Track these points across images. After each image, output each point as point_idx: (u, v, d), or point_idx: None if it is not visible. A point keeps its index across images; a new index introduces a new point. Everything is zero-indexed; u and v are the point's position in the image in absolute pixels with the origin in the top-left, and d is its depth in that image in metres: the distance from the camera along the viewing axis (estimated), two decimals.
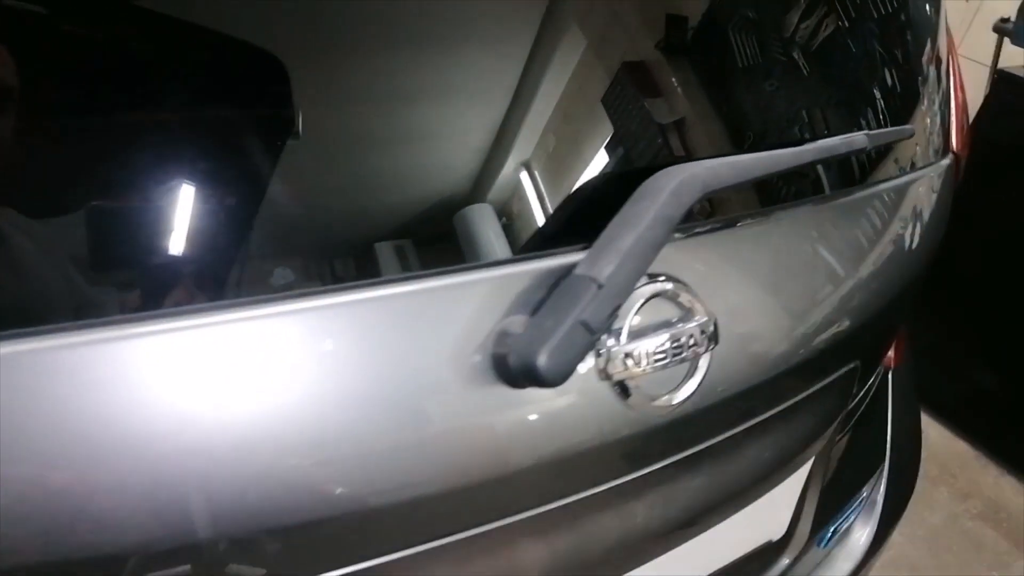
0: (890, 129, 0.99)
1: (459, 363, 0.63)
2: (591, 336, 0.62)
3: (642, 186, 0.67)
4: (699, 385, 0.77)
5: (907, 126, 1.06)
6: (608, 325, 0.63)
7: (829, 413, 1.06)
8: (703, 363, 0.77)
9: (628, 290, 0.63)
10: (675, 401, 0.76)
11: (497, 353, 0.64)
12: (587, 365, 0.70)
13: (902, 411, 1.52)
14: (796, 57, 1.00)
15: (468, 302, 0.65)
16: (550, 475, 0.71)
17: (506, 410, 0.66)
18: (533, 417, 0.68)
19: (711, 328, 0.77)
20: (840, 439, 1.25)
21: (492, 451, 0.67)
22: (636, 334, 0.72)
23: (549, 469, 0.70)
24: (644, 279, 0.73)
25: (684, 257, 0.79)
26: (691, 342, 0.75)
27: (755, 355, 0.84)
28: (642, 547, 0.89)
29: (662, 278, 0.75)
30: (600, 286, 0.62)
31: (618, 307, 0.63)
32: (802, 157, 0.79)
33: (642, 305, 0.73)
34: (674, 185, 0.65)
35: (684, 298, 0.76)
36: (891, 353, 1.50)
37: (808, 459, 1.10)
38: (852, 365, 1.04)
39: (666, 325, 0.74)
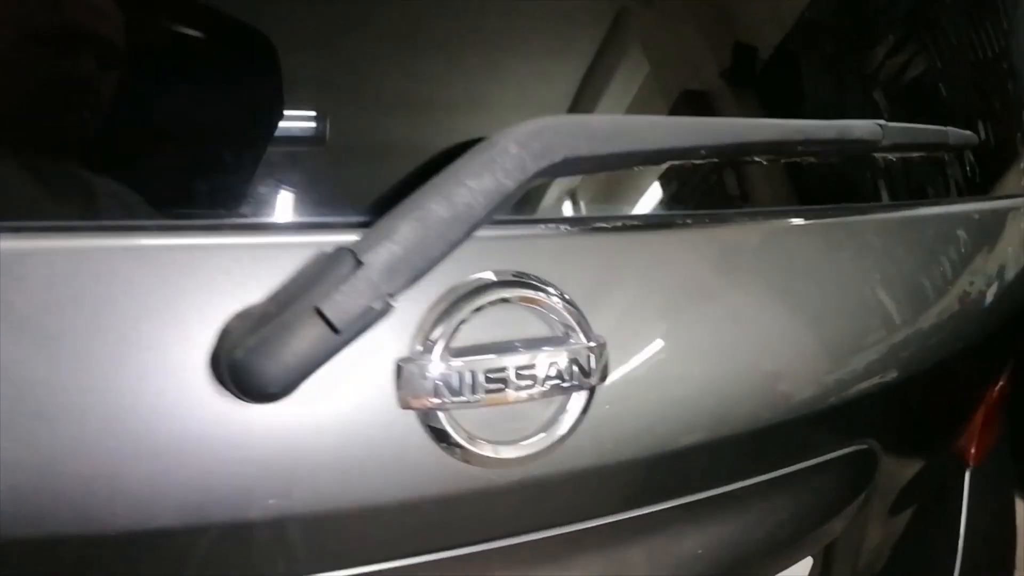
0: (928, 128, 0.73)
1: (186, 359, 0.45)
2: (330, 331, 0.42)
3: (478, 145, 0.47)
4: (563, 436, 0.55)
5: (967, 132, 0.79)
6: (365, 322, 0.43)
7: (811, 513, 0.77)
8: (573, 405, 0.55)
9: (410, 276, 0.43)
10: (519, 454, 0.54)
11: (214, 352, 0.45)
12: (379, 386, 0.50)
13: (984, 513, 1.18)
14: (876, 96, 0.86)
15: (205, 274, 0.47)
16: (325, 531, 0.51)
17: (246, 431, 0.47)
18: (285, 444, 0.48)
19: (592, 358, 0.55)
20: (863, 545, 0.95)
21: (233, 490, 0.48)
22: (464, 351, 0.51)
23: (322, 524, 0.50)
24: (491, 276, 0.53)
25: (574, 259, 0.58)
26: (554, 372, 0.54)
27: (675, 404, 0.60)
28: None
29: (526, 281, 0.54)
30: (359, 263, 0.42)
31: (387, 298, 0.43)
32: (755, 133, 0.56)
33: (480, 311, 0.52)
34: (513, 139, 0.45)
35: (558, 313, 0.55)
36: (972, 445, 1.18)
37: (792, 564, 0.81)
38: (859, 447, 0.77)
39: (513, 347, 0.53)
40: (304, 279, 0.44)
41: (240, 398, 0.45)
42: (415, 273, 0.43)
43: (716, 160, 0.62)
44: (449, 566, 0.56)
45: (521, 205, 0.58)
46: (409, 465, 0.51)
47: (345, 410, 0.50)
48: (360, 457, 0.50)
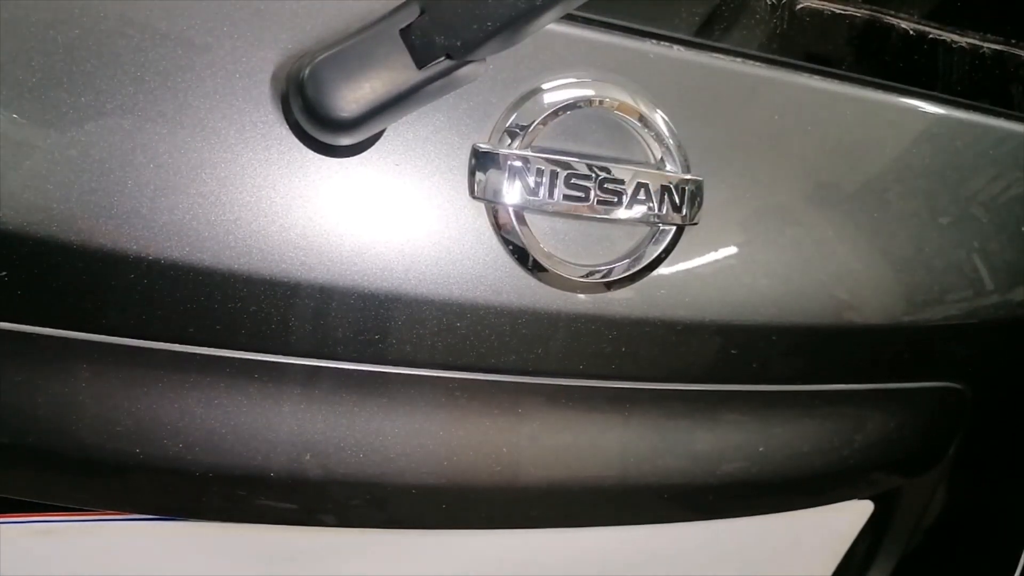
0: None
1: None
2: (411, 61, 0.37)
3: None
4: (640, 271, 0.49)
5: None
6: (444, 67, 0.38)
7: (891, 440, 0.70)
8: (664, 238, 0.49)
9: (482, 31, 0.37)
10: (591, 279, 0.48)
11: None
12: (452, 169, 0.45)
13: None
14: None
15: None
16: (402, 319, 0.47)
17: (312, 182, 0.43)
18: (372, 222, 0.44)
19: (684, 191, 0.49)
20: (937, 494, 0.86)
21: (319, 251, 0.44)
22: (548, 150, 0.46)
23: (399, 309, 0.46)
24: (591, 75, 0.47)
25: (691, 87, 0.51)
26: (643, 196, 0.48)
27: (762, 274, 0.54)
28: (523, 495, 0.59)
29: (630, 90, 0.48)
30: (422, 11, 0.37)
31: (464, 50, 0.37)
32: None
33: (574, 110, 0.47)
34: None
35: (658, 135, 0.49)
36: None
37: (849, 497, 0.74)
38: (944, 384, 0.69)
39: (602, 157, 0.47)
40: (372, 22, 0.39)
41: (312, 134, 0.41)
42: (485, 30, 0.37)
43: None
44: (485, 391, 0.51)
45: (650, 17, 0.52)
46: (470, 263, 0.47)
47: (412, 187, 0.45)
48: (420, 241, 0.46)
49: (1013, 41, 0.63)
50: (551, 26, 0.45)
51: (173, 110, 0.40)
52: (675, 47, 0.51)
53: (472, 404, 0.51)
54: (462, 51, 0.37)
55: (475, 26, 0.36)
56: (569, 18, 0.48)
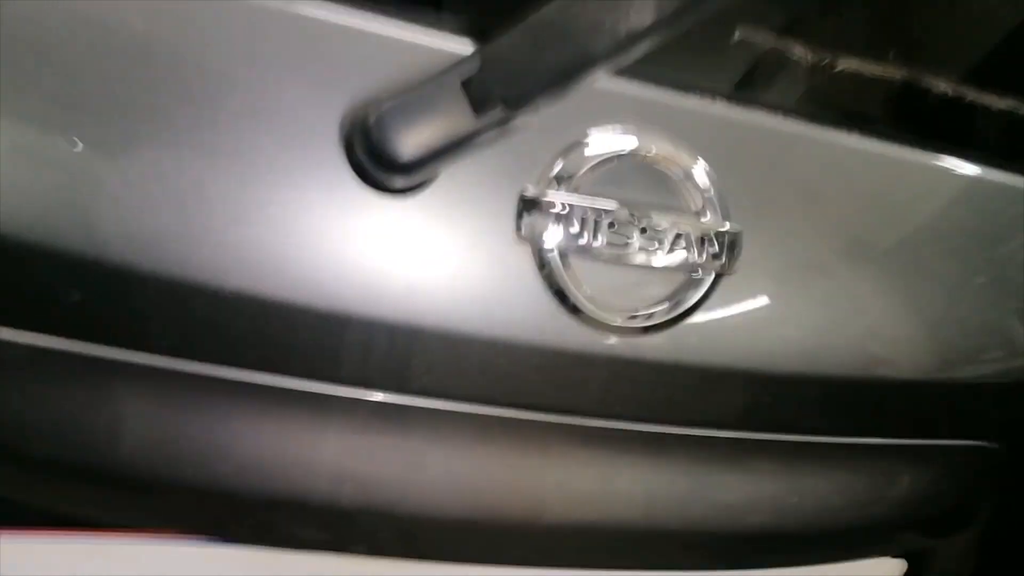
0: None
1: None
2: (470, 109, 0.40)
3: None
4: (686, 312, 0.51)
5: None
6: (502, 115, 0.40)
7: (924, 498, 0.69)
8: (702, 286, 0.51)
9: (534, 86, 0.39)
10: (631, 323, 0.50)
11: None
12: (501, 212, 0.47)
13: None
14: None
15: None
16: (448, 356, 0.49)
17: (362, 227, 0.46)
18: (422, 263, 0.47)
19: (723, 241, 0.50)
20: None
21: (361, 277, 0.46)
22: (593, 193, 0.48)
23: (446, 345, 0.48)
24: (635, 127, 0.49)
25: (732, 137, 0.53)
26: (683, 244, 0.49)
27: (796, 325, 0.55)
28: (552, 533, 0.59)
29: (673, 142, 0.50)
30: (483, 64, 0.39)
31: (519, 101, 0.39)
32: None
33: (619, 160, 0.49)
34: None
35: (699, 185, 0.50)
36: None
37: (881, 553, 0.73)
38: (977, 443, 0.68)
39: (644, 204, 0.49)
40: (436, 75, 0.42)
41: (372, 175, 0.43)
42: (539, 84, 0.39)
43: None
44: (522, 428, 0.52)
45: (691, 71, 0.54)
46: (512, 304, 0.48)
47: (462, 228, 0.47)
48: (466, 279, 0.47)
49: None
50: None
51: (247, 149, 0.43)
52: (718, 102, 0.53)
53: (508, 440, 0.53)
54: (518, 102, 0.39)
55: (531, 79, 0.38)
56: (616, 72, 0.50)
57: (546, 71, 0.37)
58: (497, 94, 0.39)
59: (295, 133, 0.43)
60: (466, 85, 0.40)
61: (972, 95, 0.61)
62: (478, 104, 0.40)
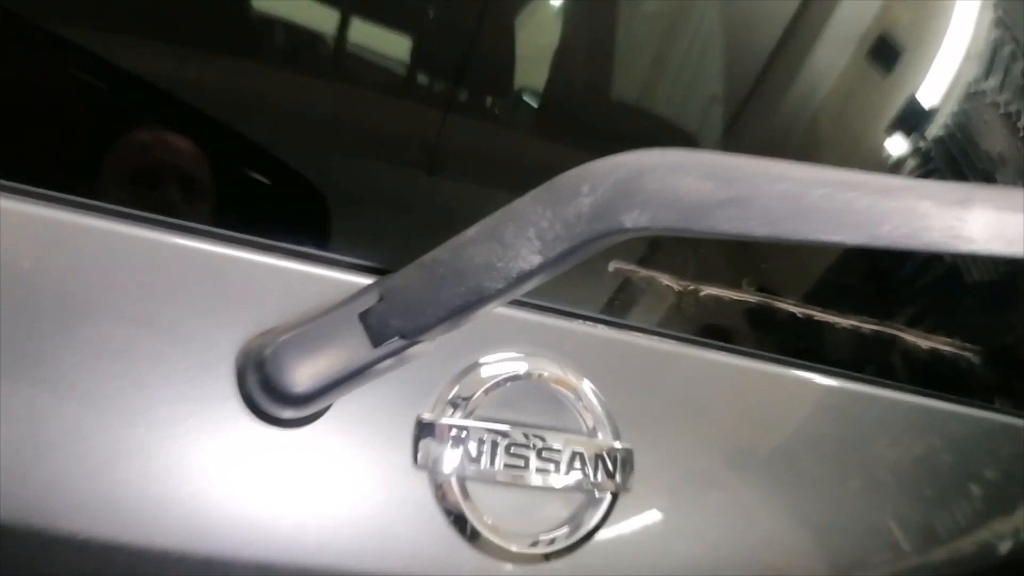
0: None
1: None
2: (368, 341, 0.40)
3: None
4: (587, 534, 0.50)
5: None
6: (398, 345, 0.41)
7: None
8: (600, 505, 0.51)
9: (430, 321, 0.41)
10: (544, 547, 0.48)
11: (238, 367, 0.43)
12: (397, 441, 0.47)
13: None
14: None
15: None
16: None
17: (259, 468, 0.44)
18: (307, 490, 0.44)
19: (617, 459, 0.52)
20: None
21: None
22: (489, 419, 0.49)
23: None
24: (525, 352, 0.51)
25: (615, 358, 0.56)
26: (579, 465, 0.50)
27: (693, 538, 0.55)
28: None
29: (562, 364, 0.52)
30: (382, 297, 0.41)
31: (416, 333, 0.41)
32: None
33: (511, 383, 0.50)
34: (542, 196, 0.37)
35: (590, 406, 0.52)
36: None
37: None
38: None
39: (538, 426, 0.50)
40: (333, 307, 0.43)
41: (263, 407, 0.42)
42: (435, 317, 0.40)
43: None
44: None
45: (578, 299, 0.58)
46: (409, 536, 0.46)
47: (357, 457, 0.46)
48: (362, 513, 0.45)
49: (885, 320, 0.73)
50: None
51: (130, 387, 0.41)
52: (599, 326, 0.56)
53: None
54: (415, 333, 0.41)
55: (428, 313, 0.40)
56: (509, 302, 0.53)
57: (442, 306, 0.39)
58: (394, 326, 0.41)
59: (185, 368, 0.42)
60: (364, 317, 0.41)
61: (818, 314, 0.69)
62: (376, 336, 0.41)
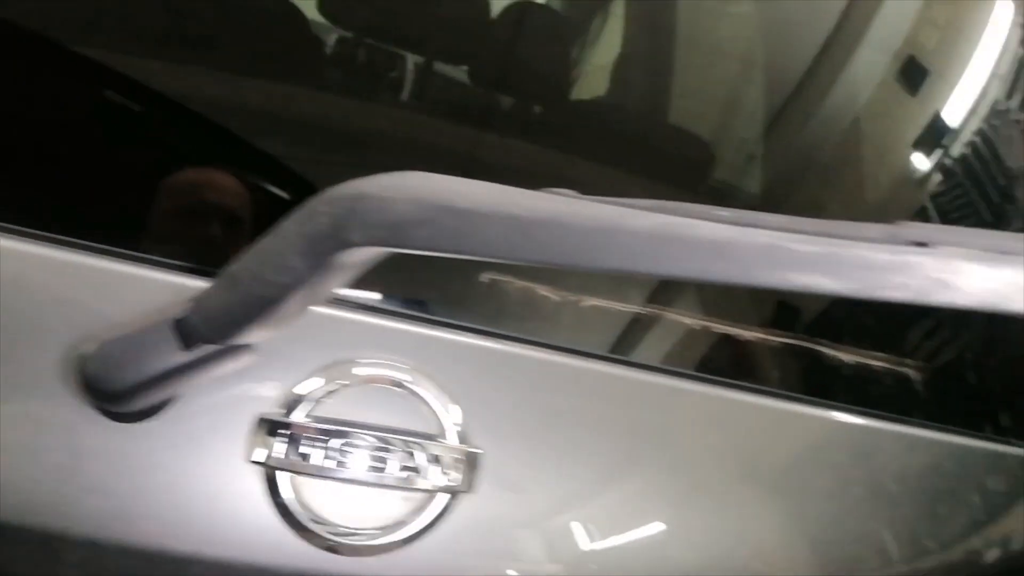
0: None
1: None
2: (179, 344, 0.44)
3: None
4: (420, 532, 0.53)
5: None
6: (207, 352, 0.45)
7: None
8: (435, 506, 0.53)
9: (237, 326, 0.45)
10: (357, 543, 0.51)
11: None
12: (231, 437, 0.50)
13: None
14: None
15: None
16: None
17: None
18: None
19: (461, 463, 0.54)
20: None
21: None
22: (325, 420, 0.52)
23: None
24: (368, 353, 0.54)
25: (475, 369, 0.58)
26: (411, 464, 0.53)
27: (536, 536, 0.57)
28: None
29: (398, 371, 0.55)
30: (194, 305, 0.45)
31: (228, 340, 0.45)
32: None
33: (358, 386, 0.53)
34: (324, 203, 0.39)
35: (436, 409, 0.55)
36: None
37: None
38: None
39: (377, 428, 0.53)
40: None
41: (93, 403, 0.47)
42: (232, 326, 0.44)
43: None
44: None
45: (431, 303, 0.61)
46: (241, 526, 0.50)
47: (194, 452, 0.50)
48: (196, 502, 0.50)
49: None
50: (336, 312, 0.54)
51: None
52: (460, 334, 0.58)
53: None
54: (218, 338, 0.45)
55: (226, 318, 0.44)
56: (352, 306, 0.56)
57: (234, 313, 0.43)
58: (201, 332, 0.45)
59: (25, 363, 0.48)
60: (177, 323, 0.45)
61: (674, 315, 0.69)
62: (185, 340, 0.45)
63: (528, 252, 0.32)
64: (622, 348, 0.66)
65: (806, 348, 0.72)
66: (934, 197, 0.87)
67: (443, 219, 0.33)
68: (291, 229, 0.39)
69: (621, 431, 0.61)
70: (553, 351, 0.60)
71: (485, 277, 0.63)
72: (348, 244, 0.36)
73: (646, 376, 0.62)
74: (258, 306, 0.42)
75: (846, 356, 0.74)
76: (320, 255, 0.38)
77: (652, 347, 0.68)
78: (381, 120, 0.81)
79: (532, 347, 0.59)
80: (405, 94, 0.90)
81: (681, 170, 0.86)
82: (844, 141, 0.88)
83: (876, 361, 0.76)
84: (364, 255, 0.39)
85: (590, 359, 0.62)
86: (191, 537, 0.49)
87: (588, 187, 0.47)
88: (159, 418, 0.50)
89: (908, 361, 0.78)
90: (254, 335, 0.45)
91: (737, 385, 0.66)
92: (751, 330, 0.72)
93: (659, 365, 0.64)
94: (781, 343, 0.72)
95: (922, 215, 0.87)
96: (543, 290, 0.64)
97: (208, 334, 0.44)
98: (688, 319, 0.67)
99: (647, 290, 0.68)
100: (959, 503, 0.75)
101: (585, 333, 0.65)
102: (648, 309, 0.67)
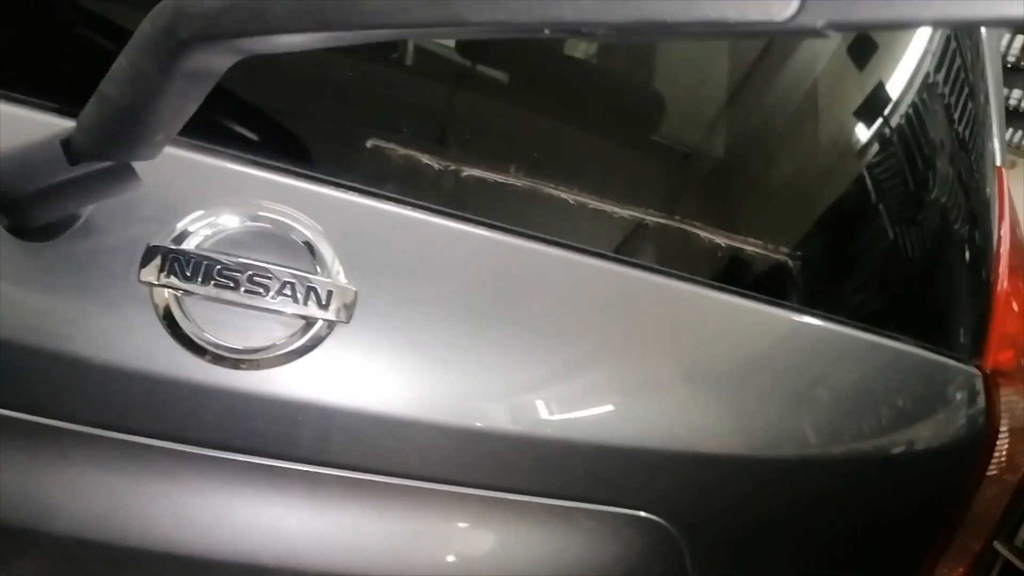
0: None
1: None
2: (64, 156, 0.51)
3: None
4: (295, 351, 0.60)
5: None
6: (88, 168, 0.51)
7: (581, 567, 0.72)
8: (315, 332, 0.60)
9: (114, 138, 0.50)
10: (234, 355, 0.58)
11: None
12: (125, 258, 0.57)
13: None
14: None
15: None
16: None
17: None
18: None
19: (334, 294, 0.60)
20: None
21: None
22: (210, 248, 0.59)
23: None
24: (262, 206, 0.61)
25: (365, 222, 0.64)
26: (288, 292, 0.59)
27: (410, 372, 0.63)
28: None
29: (294, 221, 0.61)
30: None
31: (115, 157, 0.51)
32: None
33: (248, 223, 0.60)
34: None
35: (316, 252, 0.61)
36: None
37: None
38: (642, 515, 0.73)
39: (260, 258, 0.59)
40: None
41: None
42: (112, 138, 0.49)
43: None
44: (137, 453, 0.60)
45: (321, 162, 0.67)
46: (131, 335, 0.57)
47: (90, 269, 0.57)
48: (90, 312, 0.56)
49: None
50: (227, 164, 0.60)
51: None
52: (350, 193, 0.64)
53: (129, 466, 0.59)
54: (102, 153, 0.51)
55: (105, 132, 0.50)
56: (247, 161, 0.62)
57: (113, 125, 0.49)
58: (84, 148, 0.51)
59: None
60: (63, 142, 0.52)
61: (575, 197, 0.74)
62: (70, 157, 0.51)
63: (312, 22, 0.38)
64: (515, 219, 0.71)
65: (685, 229, 0.77)
66: (870, 168, 0.93)
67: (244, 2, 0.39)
68: (139, 38, 0.45)
69: (492, 290, 0.67)
70: (433, 213, 0.66)
71: (372, 142, 0.69)
72: (180, 42, 0.43)
73: (535, 245, 0.69)
74: (128, 117, 0.49)
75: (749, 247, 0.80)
76: (167, 59, 0.44)
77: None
78: None
79: (423, 211, 0.65)
80: None
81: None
82: (797, 111, 0.96)
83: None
84: (209, 60, 0.45)
85: (464, 222, 0.67)
86: (87, 345, 0.57)
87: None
88: (58, 239, 0.56)
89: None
90: (134, 151, 0.51)
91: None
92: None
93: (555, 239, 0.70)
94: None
95: (859, 182, 0.94)
96: (427, 159, 0.70)
97: (91, 149, 0.51)
98: (563, 193, 0.73)
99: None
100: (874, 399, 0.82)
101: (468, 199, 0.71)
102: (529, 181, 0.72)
